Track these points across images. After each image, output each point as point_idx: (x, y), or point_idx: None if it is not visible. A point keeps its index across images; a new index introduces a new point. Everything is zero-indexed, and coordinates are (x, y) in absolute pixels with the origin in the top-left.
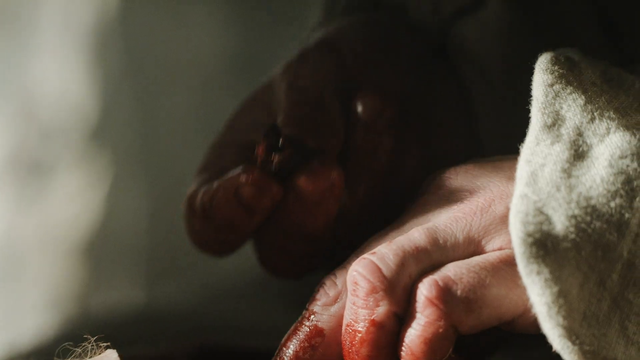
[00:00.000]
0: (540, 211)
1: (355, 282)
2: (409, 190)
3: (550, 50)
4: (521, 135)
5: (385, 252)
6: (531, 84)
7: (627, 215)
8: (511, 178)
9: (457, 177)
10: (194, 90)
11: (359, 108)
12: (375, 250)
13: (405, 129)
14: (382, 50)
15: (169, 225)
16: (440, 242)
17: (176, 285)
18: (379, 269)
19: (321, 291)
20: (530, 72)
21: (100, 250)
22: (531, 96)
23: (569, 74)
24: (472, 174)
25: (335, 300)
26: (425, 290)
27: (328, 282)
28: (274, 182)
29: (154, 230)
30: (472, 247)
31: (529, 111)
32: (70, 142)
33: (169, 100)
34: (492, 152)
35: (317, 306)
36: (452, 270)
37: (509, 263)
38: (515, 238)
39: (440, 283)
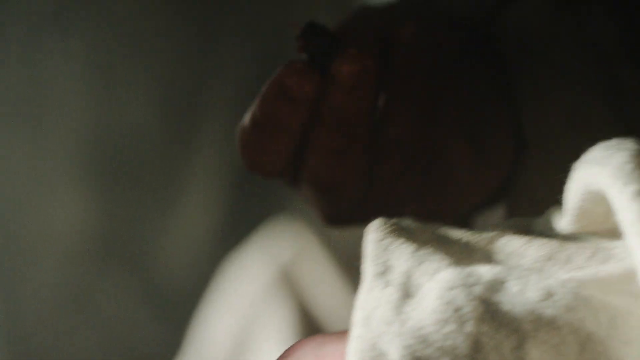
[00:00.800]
0: (374, 347)
1: None
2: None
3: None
4: (563, 128)
5: None
6: (573, 74)
7: (459, 339)
8: None
9: (307, 346)
10: (58, 266)
11: (336, 67)
12: None
13: (399, 98)
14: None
15: None
16: None
17: None
18: None
19: None
20: (572, 63)
21: None
22: (573, 89)
23: (399, 230)
24: (322, 342)
25: None
26: None
27: None
28: (315, 70)
29: None
30: None
31: (571, 103)
32: None
33: (32, 275)
34: (534, 144)
35: None
36: None
37: None
38: None
39: None
